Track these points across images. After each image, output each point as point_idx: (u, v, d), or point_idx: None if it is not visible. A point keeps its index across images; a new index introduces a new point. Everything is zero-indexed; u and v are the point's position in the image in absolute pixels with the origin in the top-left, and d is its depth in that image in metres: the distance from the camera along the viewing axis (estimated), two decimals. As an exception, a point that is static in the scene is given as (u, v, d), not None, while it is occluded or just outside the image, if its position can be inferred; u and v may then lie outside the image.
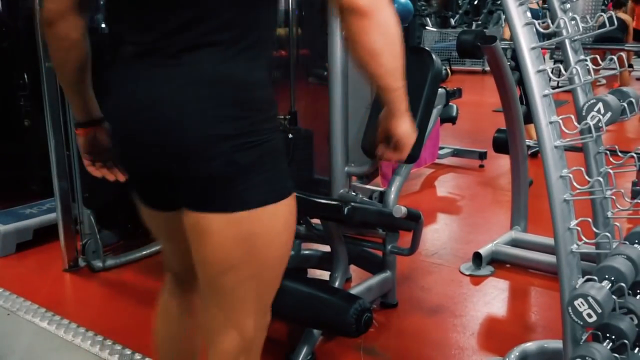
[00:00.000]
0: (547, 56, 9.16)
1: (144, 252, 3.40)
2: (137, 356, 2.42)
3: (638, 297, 1.78)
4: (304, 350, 2.34)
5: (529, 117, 1.83)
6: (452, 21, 13.51)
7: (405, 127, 1.45)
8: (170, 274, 1.66)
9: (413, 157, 2.40)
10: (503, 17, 11.58)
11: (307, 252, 2.97)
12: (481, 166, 5.28)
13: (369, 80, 1.36)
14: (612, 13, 1.76)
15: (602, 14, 1.75)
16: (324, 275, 2.78)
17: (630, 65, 9.34)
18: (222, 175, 1.25)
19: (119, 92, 1.32)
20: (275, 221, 1.32)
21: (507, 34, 6.47)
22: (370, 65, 1.30)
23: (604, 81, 9.25)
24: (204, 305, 1.44)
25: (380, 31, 1.26)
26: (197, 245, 1.34)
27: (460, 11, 13.67)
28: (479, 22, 12.84)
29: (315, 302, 2.26)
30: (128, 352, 2.45)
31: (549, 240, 3.15)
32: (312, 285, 2.40)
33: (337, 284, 2.63)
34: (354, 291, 2.61)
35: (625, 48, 6.65)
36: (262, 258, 1.34)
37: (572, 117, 1.77)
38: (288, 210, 1.35)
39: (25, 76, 3.92)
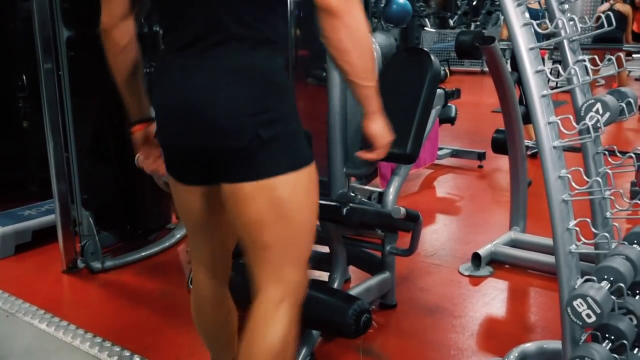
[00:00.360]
0: (546, 57, 9.14)
1: (142, 254, 3.40)
2: (136, 358, 2.42)
3: (637, 297, 1.78)
4: (304, 351, 2.34)
5: (528, 117, 1.83)
6: (451, 22, 13.51)
7: (376, 127, 1.61)
8: (200, 269, 1.79)
9: (412, 158, 2.41)
10: (502, 17, 11.58)
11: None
12: (480, 167, 5.28)
13: (342, 76, 1.55)
14: (610, 13, 1.76)
15: (601, 14, 1.74)
16: (323, 276, 2.77)
17: (630, 55, 9.21)
18: (248, 148, 1.46)
19: (161, 83, 1.55)
20: (297, 186, 1.53)
21: (505, 34, 6.47)
22: (339, 60, 1.50)
23: (602, 81, 9.24)
24: (250, 265, 1.62)
25: (347, 31, 1.45)
26: (235, 211, 1.56)
27: (459, 12, 13.67)
28: (478, 23, 12.84)
29: (313, 303, 2.25)
30: (127, 353, 2.44)
31: (548, 241, 3.15)
32: (311, 286, 2.39)
33: (336, 285, 2.63)
34: (353, 292, 2.61)
35: (624, 48, 6.65)
36: (291, 219, 1.54)
37: (571, 117, 1.77)
38: (309, 177, 1.57)
39: (24, 78, 3.92)
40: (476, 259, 3.20)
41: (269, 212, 1.52)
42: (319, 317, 2.24)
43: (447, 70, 6.46)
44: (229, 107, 1.45)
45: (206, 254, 1.77)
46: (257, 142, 1.45)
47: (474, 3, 13.48)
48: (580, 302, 1.60)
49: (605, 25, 1.71)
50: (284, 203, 1.52)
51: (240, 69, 1.46)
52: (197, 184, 1.63)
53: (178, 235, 3.57)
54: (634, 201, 1.83)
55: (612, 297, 1.64)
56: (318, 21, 1.46)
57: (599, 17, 1.73)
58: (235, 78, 1.45)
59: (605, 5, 7.88)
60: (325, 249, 2.79)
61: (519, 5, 1.74)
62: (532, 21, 1.75)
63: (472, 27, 12.53)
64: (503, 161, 4.41)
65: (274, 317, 1.57)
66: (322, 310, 2.23)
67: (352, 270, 2.98)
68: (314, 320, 2.27)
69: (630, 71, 10.04)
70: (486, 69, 10.71)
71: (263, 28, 1.48)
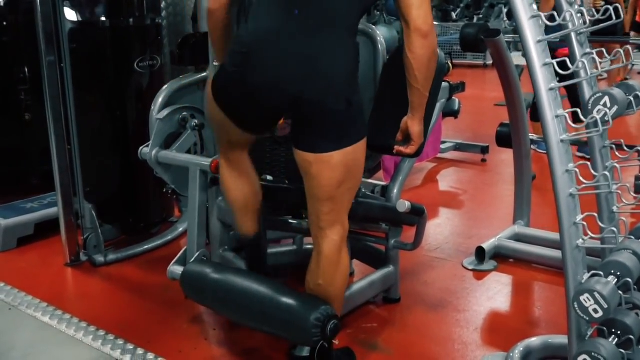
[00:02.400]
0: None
1: (145, 247, 3.39)
2: (140, 351, 2.42)
3: (644, 292, 1.77)
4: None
5: (534, 114, 1.82)
6: (454, 15, 13.47)
7: (418, 128, 2.05)
8: (226, 146, 2.21)
9: (417, 151, 2.39)
10: (504, 10, 11.52)
11: (309, 246, 2.95)
12: (483, 160, 5.26)
13: (408, 81, 1.95)
14: (618, 5, 1.73)
15: (609, 6, 1.72)
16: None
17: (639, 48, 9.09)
18: (342, 112, 1.91)
19: (272, 43, 1.92)
20: (363, 149, 2.00)
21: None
22: (415, 70, 1.91)
23: (605, 75, 9.19)
24: (318, 213, 2.04)
25: (429, 49, 1.90)
26: (318, 174, 1.96)
27: (462, 5, 13.64)
28: (480, 16, 12.80)
29: (276, 310, 2.10)
30: (130, 346, 2.44)
31: (552, 235, 3.15)
32: (277, 292, 2.18)
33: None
34: (356, 286, 2.61)
35: (631, 42, 6.59)
36: (355, 174, 2.02)
37: (579, 111, 1.75)
38: (365, 143, 2.01)
39: (26, 70, 3.90)
40: (480, 253, 3.19)
41: (344, 172, 1.95)
42: (281, 324, 2.11)
43: (450, 64, 6.38)
44: (339, 77, 1.90)
45: (236, 135, 2.13)
46: (350, 109, 1.91)
47: (477, -4, 13.44)
48: (588, 297, 1.59)
49: (614, 17, 1.69)
50: (354, 164, 1.97)
51: (344, 49, 1.92)
52: (254, 133, 2.12)
53: (181, 229, 3.56)
54: (641, 195, 1.82)
55: (619, 292, 1.63)
56: (407, 38, 1.87)
57: (607, 10, 1.71)
58: (340, 55, 1.91)
59: None
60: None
61: (526, -4, 1.73)
62: (540, 13, 1.73)
63: (475, 20, 12.49)
64: (506, 155, 4.39)
65: (340, 254, 2.07)
66: (284, 316, 2.08)
67: (356, 264, 2.97)
68: (276, 326, 2.15)
69: (633, 65, 9.98)
70: (489, 62, 10.67)
71: (350, 24, 1.94)
